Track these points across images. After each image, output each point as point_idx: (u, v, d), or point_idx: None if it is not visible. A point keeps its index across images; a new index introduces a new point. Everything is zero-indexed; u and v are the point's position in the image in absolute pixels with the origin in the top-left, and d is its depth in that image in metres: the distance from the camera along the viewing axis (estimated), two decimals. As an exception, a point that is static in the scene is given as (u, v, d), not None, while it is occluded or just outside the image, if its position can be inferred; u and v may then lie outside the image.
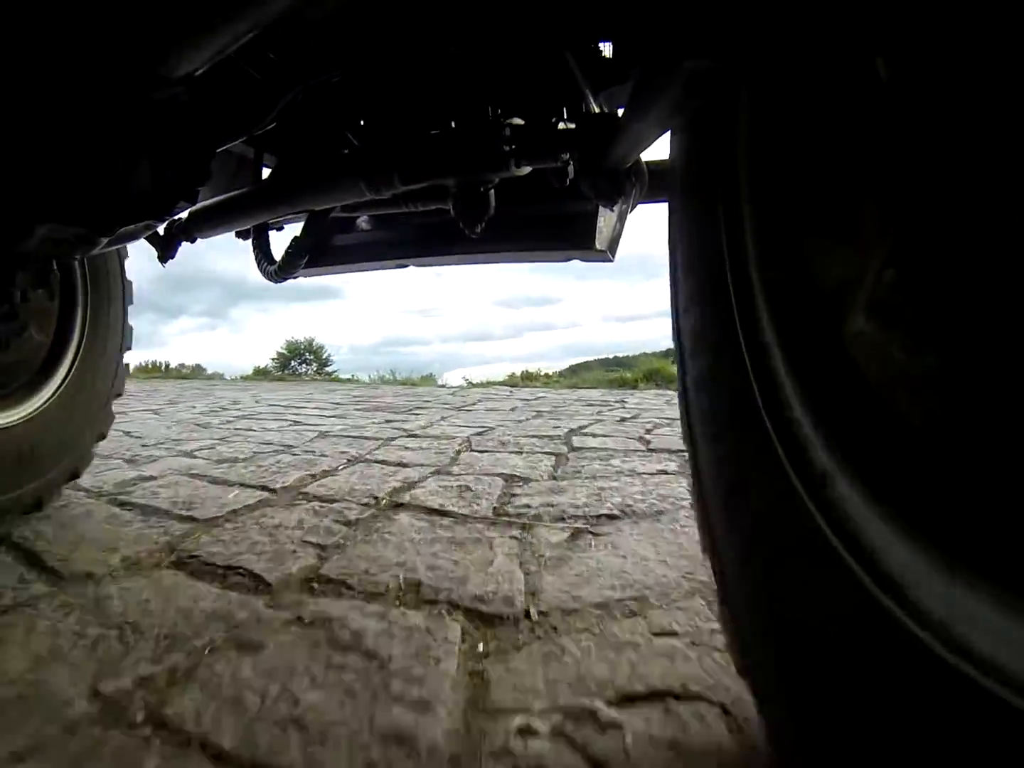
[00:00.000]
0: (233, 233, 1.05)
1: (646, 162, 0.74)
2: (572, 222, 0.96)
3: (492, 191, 0.73)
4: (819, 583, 0.33)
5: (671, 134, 0.54)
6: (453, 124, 0.77)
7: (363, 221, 1.14)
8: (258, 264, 1.12)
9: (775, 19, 0.37)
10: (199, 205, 0.90)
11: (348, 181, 0.76)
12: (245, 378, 9.00)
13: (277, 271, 1.08)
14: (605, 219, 0.95)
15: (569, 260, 1.03)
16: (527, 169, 0.71)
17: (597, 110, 0.72)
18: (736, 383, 0.41)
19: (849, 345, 0.33)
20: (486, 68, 0.72)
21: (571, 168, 0.75)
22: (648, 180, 0.74)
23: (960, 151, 0.26)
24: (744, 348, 0.40)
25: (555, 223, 0.98)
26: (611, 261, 1.02)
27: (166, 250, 0.97)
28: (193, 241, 0.98)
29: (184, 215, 0.94)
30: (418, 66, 0.75)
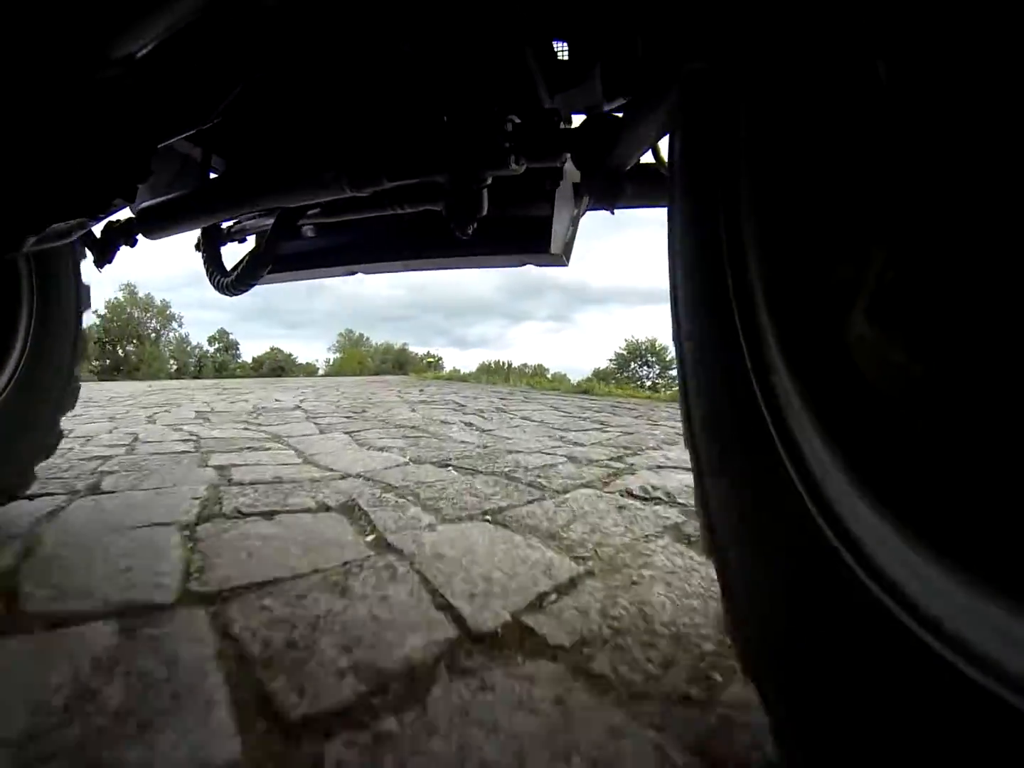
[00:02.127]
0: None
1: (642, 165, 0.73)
2: (527, 227, 0.96)
3: (485, 190, 0.70)
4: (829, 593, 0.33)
5: (670, 138, 0.53)
6: (445, 119, 0.72)
7: (309, 229, 1.09)
8: (209, 276, 1.06)
9: (776, 21, 0.37)
10: (147, 203, 0.85)
11: (327, 175, 0.70)
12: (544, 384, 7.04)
13: (233, 283, 1.02)
14: (559, 223, 0.96)
15: (524, 265, 1.04)
16: (523, 167, 0.68)
17: (547, 107, 0.72)
18: (732, 364, 0.41)
19: (850, 348, 0.33)
20: (440, 63, 0.71)
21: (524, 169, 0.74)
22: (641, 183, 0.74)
23: (961, 154, 0.26)
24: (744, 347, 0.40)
25: (510, 228, 0.97)
26: (565, 265, 1.04)
27: (103, 253, 0.90)
28: (133, 245, 0.91)
29: (123, 216, 0.89)
30: (381, 60, 0.72)
